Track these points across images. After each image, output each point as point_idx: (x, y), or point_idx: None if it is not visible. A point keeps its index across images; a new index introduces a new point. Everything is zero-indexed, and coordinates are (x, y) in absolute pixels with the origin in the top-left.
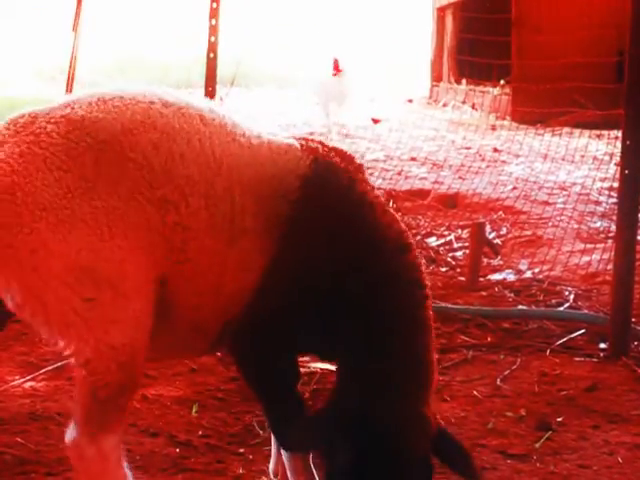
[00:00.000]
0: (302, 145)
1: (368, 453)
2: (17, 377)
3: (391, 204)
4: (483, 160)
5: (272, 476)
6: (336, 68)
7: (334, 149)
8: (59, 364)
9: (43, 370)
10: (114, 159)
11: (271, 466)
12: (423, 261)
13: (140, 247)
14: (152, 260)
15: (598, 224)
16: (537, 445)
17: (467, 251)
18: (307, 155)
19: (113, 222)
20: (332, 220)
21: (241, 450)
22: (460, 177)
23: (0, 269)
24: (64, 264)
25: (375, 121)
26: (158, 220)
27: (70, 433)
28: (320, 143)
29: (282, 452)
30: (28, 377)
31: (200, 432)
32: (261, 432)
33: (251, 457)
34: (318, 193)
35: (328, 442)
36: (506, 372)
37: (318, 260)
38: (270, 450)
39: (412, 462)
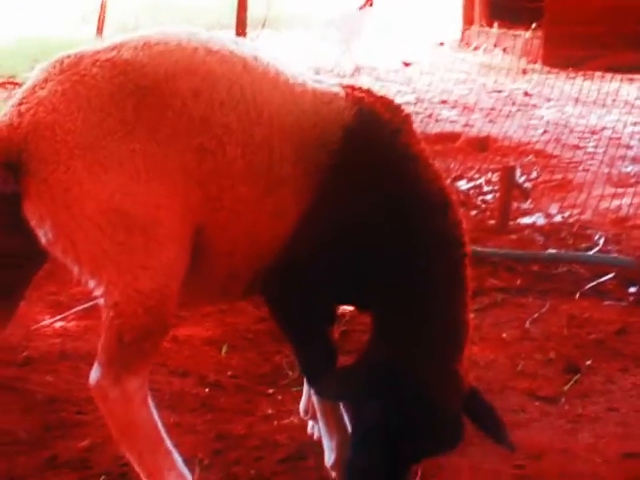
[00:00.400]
0: (347, 94)
1: (399, 407)
2: (47, 317)
3: None
4: (514, 104)
5: (302, 414)
6: (368, 1)
7: (380, 99)
8: (89, 304)
9: (73, 310)
10: (154, 105)
11: (302, 405)
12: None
13: (176, 194)
14: (188, 207)
15: (629, 168)
16: (565, 388)
17: (497, 194)
18: (351, 105)
19: (150, 167)
20: (372, 171)
21: (270, 390)
22: (491, 120)
23: (35, 203)
24: (97, 205)
25: (406, 64)
26: (195, 167)
27: (94, 373)
28: (366, 92)
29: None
30: (58, 317)
31: (229, 372)
32: (290, 373)
33: (280, 397)
34: (360, 144)
35: (360, 395)
36: (535, 315)
37: (355, 211)
38: (299, 391)
39: (443, 418)
